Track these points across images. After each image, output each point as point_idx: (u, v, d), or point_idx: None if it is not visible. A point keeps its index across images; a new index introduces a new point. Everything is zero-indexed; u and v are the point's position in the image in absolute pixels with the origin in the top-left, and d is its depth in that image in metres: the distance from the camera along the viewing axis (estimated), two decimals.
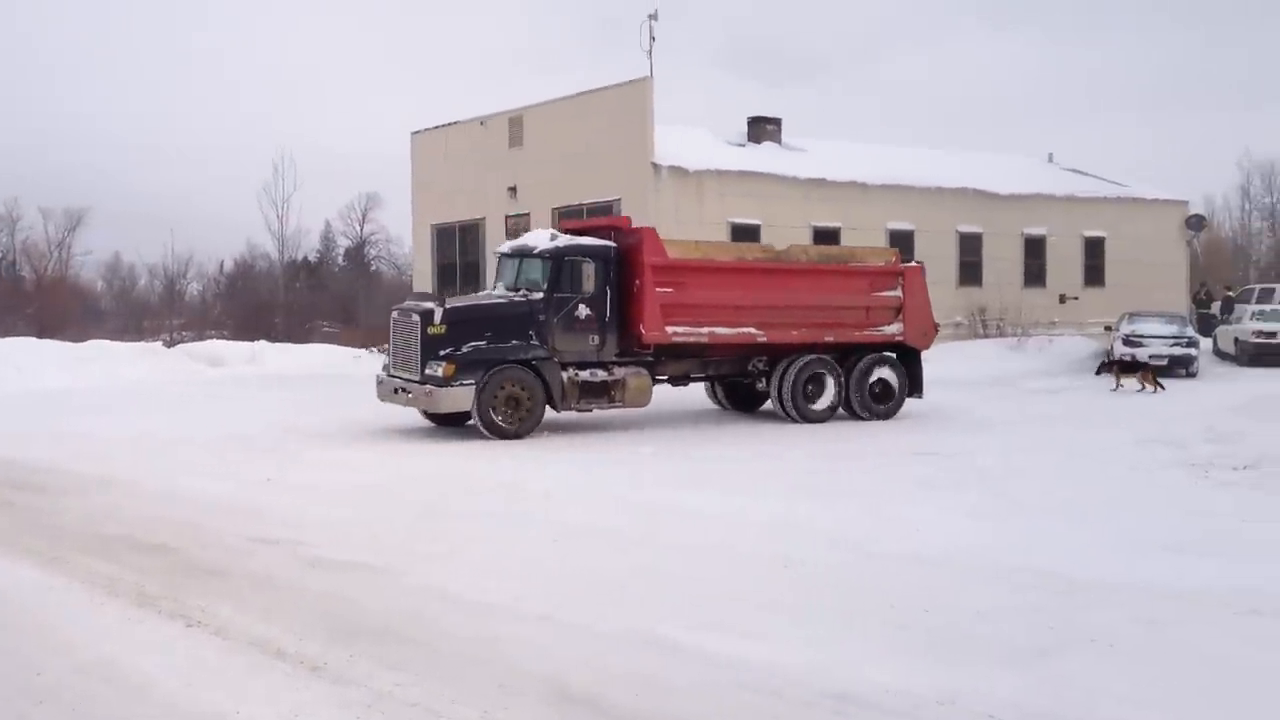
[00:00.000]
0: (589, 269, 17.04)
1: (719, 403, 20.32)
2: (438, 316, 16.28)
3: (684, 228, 28.12)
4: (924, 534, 9.51)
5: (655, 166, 28.34)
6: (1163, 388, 23.55)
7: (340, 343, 34.66)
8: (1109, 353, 27.77)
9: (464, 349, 16.23)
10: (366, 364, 29.05)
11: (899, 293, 19.32)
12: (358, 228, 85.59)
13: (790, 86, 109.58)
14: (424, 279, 35.93)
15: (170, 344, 36.06)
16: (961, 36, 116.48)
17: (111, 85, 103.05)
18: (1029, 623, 6.91)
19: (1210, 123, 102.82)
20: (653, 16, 28.70)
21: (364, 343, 33.28)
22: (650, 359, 17.61)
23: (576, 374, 16.85)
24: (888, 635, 6.65)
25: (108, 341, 31.52)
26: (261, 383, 24.50)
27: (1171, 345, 27.63)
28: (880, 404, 19.07)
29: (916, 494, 11.68)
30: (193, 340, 37.92)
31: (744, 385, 19.47)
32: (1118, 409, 20.28)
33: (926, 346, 19.85)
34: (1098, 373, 25.48)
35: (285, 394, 22.02)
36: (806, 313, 18.48)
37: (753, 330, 18.13)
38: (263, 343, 31.52)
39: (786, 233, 29.43)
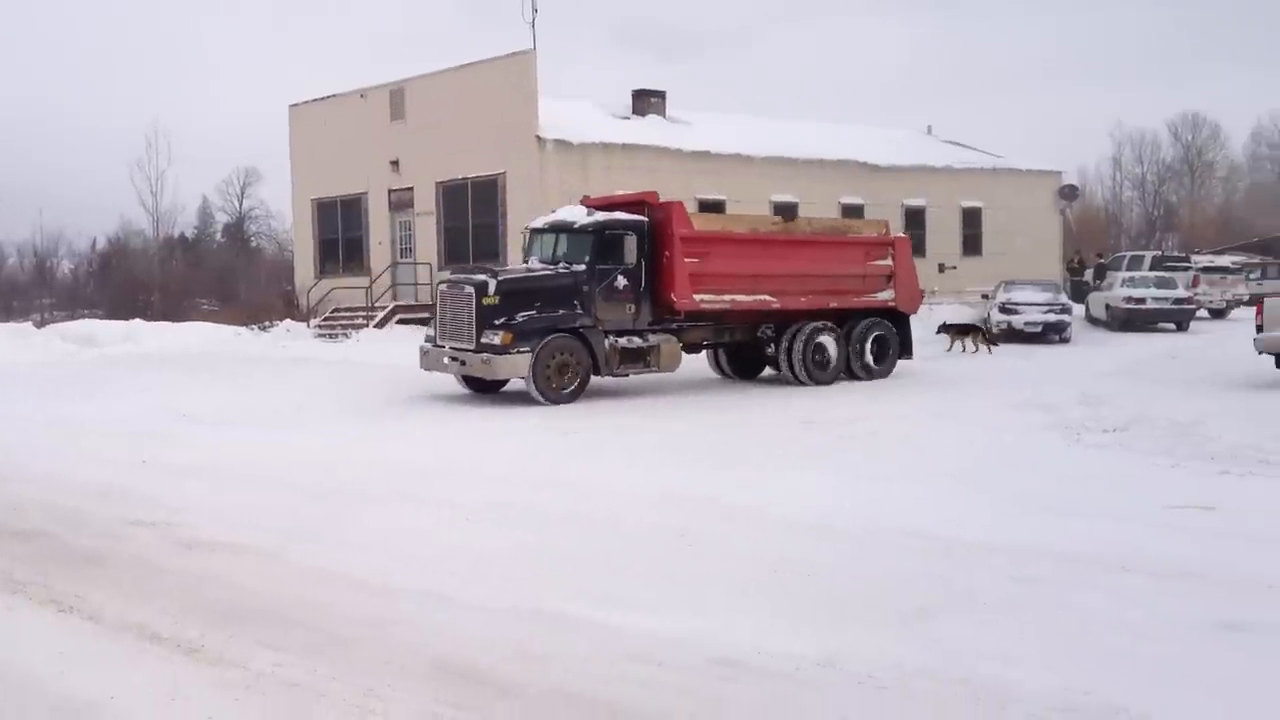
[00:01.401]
0: (630, 241, 18.01)
1: (721, 370, 21.21)
2: (492, 288, 17.06)
3: (569, 200, 28.02)
4: (808, 499, 9.62)
5: (540, 140, 28.23)
6: (993, 348, 24.54)
7: (220, 320, 33.84)
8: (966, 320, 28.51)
9: (518, 318, 16.99)
10: (248, 341, 28.49)
11: (890, 261, 20.78)
12: (236, 203, 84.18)
13: (675, 61, 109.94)
14: (306, 254, 35.39)
15: (41, 324, 34.95)
16: (844, 14, 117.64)
17: None
18: (910, 584, 7.04)
19: (1083, 96, 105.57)
20: None
21: (245, 320, 32.57)
22: (676, 327, 18.63)
23: (616, 341, 17.80)
24: (772, 601, 6.73)
25: None
26: (138, 362, 23.85)
27: (1046, 312, 28.33)
28: (877, 365, 20.46)
29: (803, 461, 11.83)
30: (65, 320, 36.79)
31: (747, 353, 20.49)
32: (995, 374, 20.73)
33: (915, 311, 21.48)
34: (937, 332, 26.21)
35: (163, 374, 21.47)
36: (813, 281, 19.72)
37: (767, 297, 19.28)
38: (138, 322, 30.63)
39: None
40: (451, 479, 11.05)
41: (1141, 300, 31.06)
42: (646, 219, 18.40)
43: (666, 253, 18.22)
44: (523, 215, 28.21)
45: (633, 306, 18.07)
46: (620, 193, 21.43)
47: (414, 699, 5.29)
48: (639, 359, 18.03)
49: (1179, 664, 5.61)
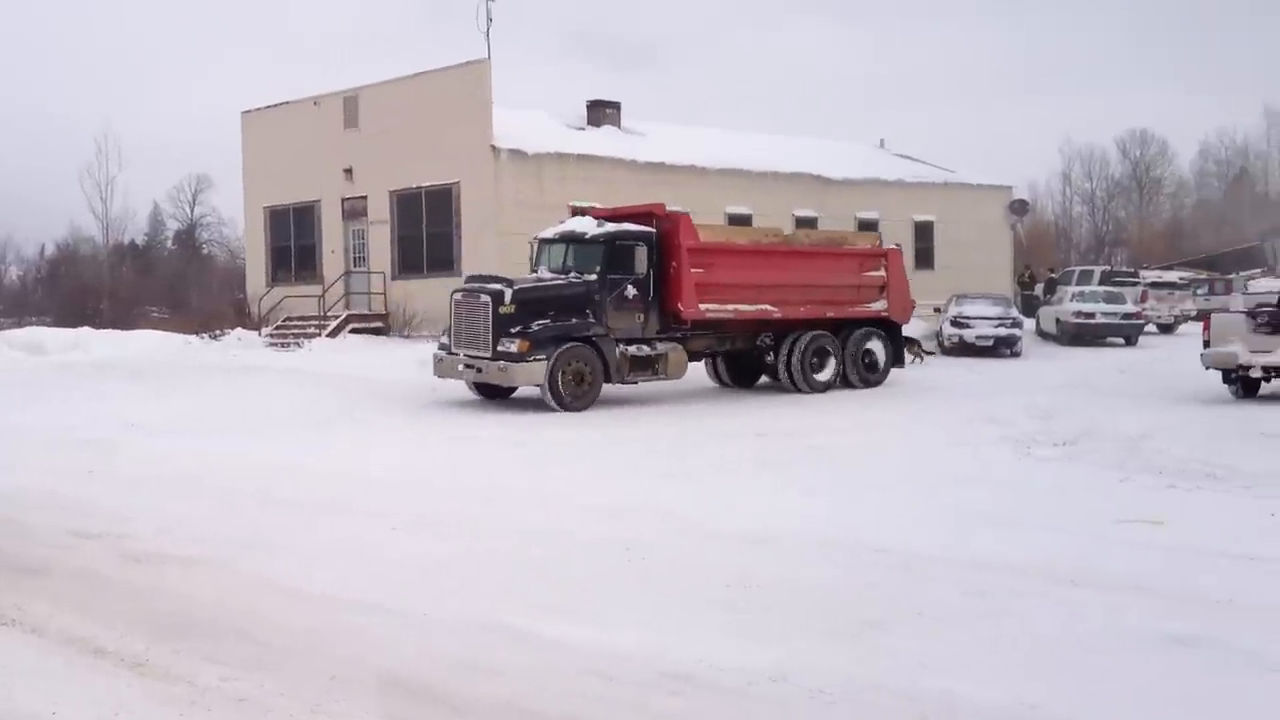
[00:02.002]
0: (641, 252, 18.51)
1: (719, 378, 21.73)
2: (508, 297, 17.44)
3: (525, 211, 28.03)
4: (761, 512, 9.63)
5: (495, 149, 28.15)
6: (923, 358, 25.06)
7: (170, 329, 33.46)
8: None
9: (533, 327, 17.37)
10: (198, 350, 28.19)
11: (883, 273, 21.47)
12: (188, 210, 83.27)
13: (630, 72, 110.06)
14: (258, 262, 35.09)
15: None
16: (797, 27, 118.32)
17: None
18: (861, 597, 7.06)
19: (1034, 112, 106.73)
20: None
21: (195, 328, 32.22)
22: (681, 335, 19.06)
23: (626, 349, 18.19)
24: (724, 615, 6.71)
25: None
26: (86, 371, 23.54)
27: (997, 326, 28.56)
28: (871, 373, 21.05)
29: (754, 473, 11.88)
30: (12, 327, 36.26)
31: (745, 361, 21.08)
32: (948, 387, 20.89)
33: (906, 321, 22.23)
34: None
35: (111, 382, 21.20)
36: (811, 291, 20.33)
37: (768, 307, 19.83)
38: (87, 329, 30.27)
39: None
40: (405, 490, 10.97)
41: (1091, 315, 31.40)
42: (655, 230, 18.84)
43: (674, 263, 18.71)
44: (477, 225, 28.19)
45: (642, 315, 18.54)
46: (627, 204, 21.81)
47: (362, 714, 5.24)
48: (648, 367, 18.47)
49: (1127, 678, 5.65)
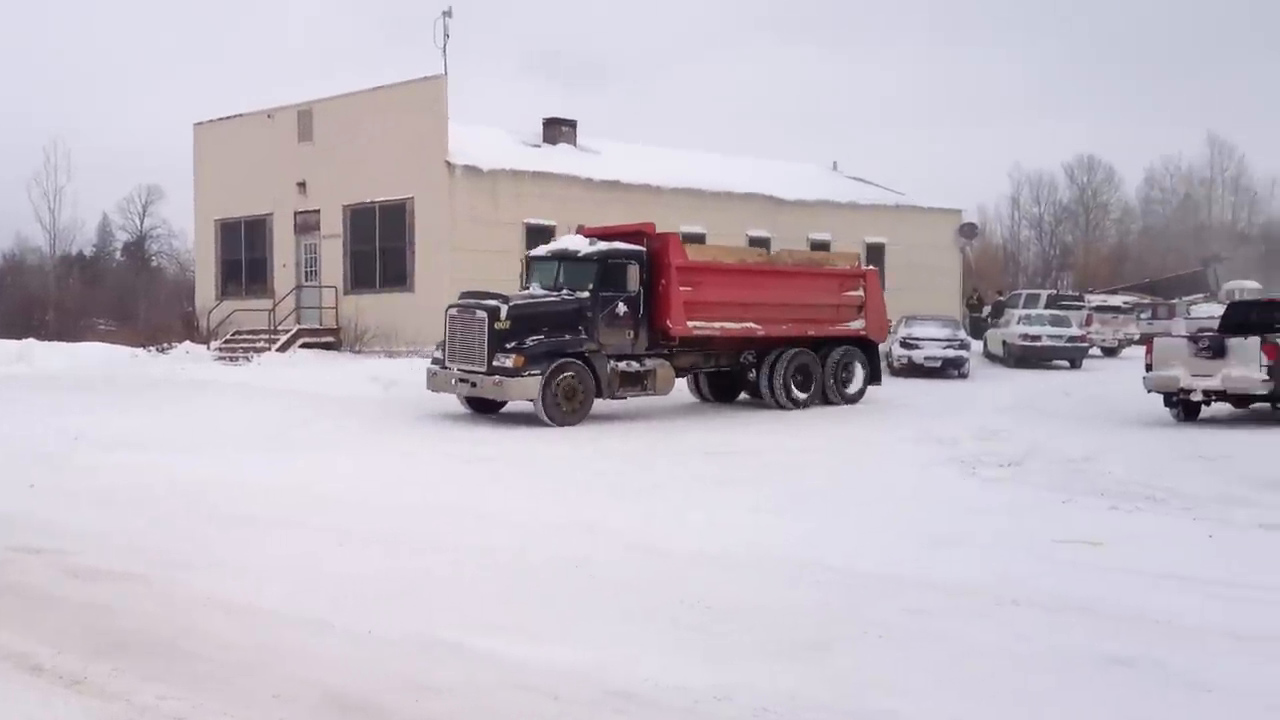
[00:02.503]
0: (633, 270, 18.92)
1: (701, 395, 22.26)
2: (504, 313, 17.74)
3: (479, 228, 28.05)
4: (711, 531, 9.66)
5: (450, 165, 28.13)
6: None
7: (118, 341, 33.09)
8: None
9: (528, 342, 17.69)
10: (145, 363, 27.92)
11: (862, 292, 22.03)
12: (137, 221, 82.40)
13: (586, 92, 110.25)
14: (207, 275, 34.83)
15: None
16: (751, 51, 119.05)
17: None
18: (807, 617, 7.10)
19: (984, 137, 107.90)
20: (446, 13, 28.55)
21: (143, 341, 31.90)
22: (668, 352, 19.46)
23: (617, 365, 18.54)
24: (671, 633, 6.74)
25: None
26: (31, 383, 23.25)
27: (945, 347, 28.80)
28: (850, 390, 21.69)
29: (706, 491, 11.88)
30: None
31: (728, 378, 21.59)
32: (895, 408, 21.04)
33: (883, 340, 23.06)
34: None
35: (56, 395, 20.95)
36: (793, 310, 20.82)
37: (753, 325, 20.26)
38: (32, 341, 29.88)
39: None
40: (355, 506, 10.90)
41: (1037, 338, 31.74)
42: (645, 249, 19.25)
43: (663, 281, 19.12)
44: (431, 241, 28.14)
45: (632, 332, 18.96)
46: (618, 223, 22.13)
47: None
48: (637, 382, 18.86)
49: (1068, 698, 5.72)
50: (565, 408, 17.78)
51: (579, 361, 18.05)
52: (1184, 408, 18.44)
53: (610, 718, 5.43)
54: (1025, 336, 31.77)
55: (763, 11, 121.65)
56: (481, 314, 17.98)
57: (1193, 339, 18.91)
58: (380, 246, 29.90)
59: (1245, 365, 17.43)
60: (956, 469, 13.47)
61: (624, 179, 31.47)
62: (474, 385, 18.06)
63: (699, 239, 31.28)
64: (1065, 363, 31.98)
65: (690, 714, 5.47)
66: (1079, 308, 37.94)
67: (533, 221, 29.15)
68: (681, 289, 19.16)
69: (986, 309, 41.57)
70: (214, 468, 13.32)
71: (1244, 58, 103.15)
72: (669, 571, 8.30)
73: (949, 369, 28.53)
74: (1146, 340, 22.07)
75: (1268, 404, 17.82)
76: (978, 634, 6.76)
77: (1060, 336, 31.97)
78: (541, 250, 20.14)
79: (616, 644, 6.49)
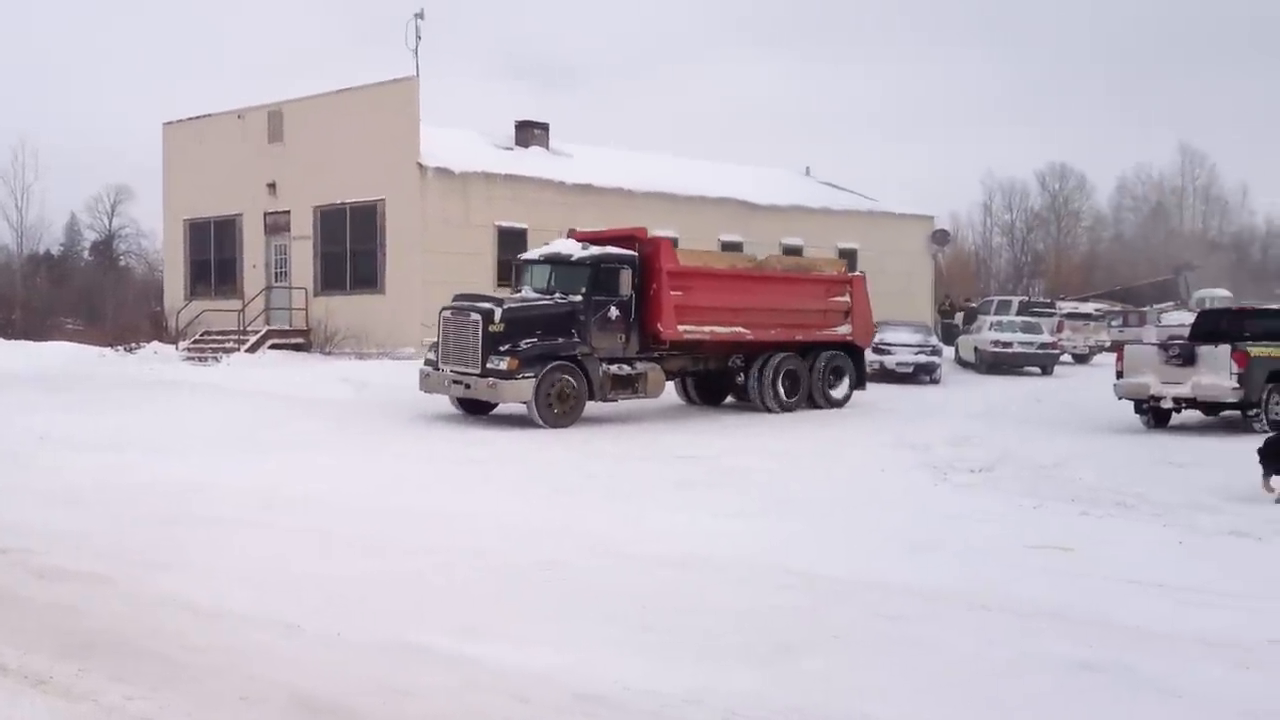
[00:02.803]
0: (625, 275, 19.10)
1: (688, 397, 22.41)
2: (498, 315, 17.92)
3: (451, 230, 27.96)
4: (680, 535, 9.64)
5: (421, 167, 28.02)
6: None
7: (85, 340, 32.80)
8: None
9: (522, 345, 17.87)
10: (113, 363, 27.69)
11: (848, 298, 22.33)
12: (106, 220, 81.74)
13: (559, 96, 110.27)
14: (176, 275, 34.58)
15: None
16: (724, 57, 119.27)
17: None
18: (775, 621, 7.08)
19: (957, 144, 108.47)
20: (418, 15, 28.48)
21: (110, 341, 31.63)
22: (658, 355, 19.68)
23: (609, 369, 18.74)
24: (639, 636, 6.70)
25: None
26: None
27: (917, 353, 28.87)
28: (836, 394, 22.06)
29: (674, 495, 11.86)
30: None
31: (715, 381, 21.84)
32: (867, 413, 21.08)
33: (869, 345, 23.64)
34: None
35: (22, 394, 20.73)
36: (782, 315, 21.12)
37: (742, 329, 20.51)
38: None
39: (553, 237, 29.48)
40: (323, 509, 10.82)
41: (1008, 344, 31.87)
42: (637, 253, 19.45)
43: (654, 285, 19.32)
44: (402, 243, 28.02)
45: (623, 336, 19.11)
46: (608, 228, 22.34)
47: None
48: (629, 385, 19.06)
49: (1038, 703, 5.72)
50: (558, 410, 17.92)
51: (572, 364, 18.23)
52: (1154, 415, 18.55)
53: None
54: (997, 343, 31.89)
55: (736, 17, 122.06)
56: (476, 316, 18.13)
57: (1163, 347, 19.02)
58: (351, 248, 29.76)
59: (1215, 373, 17.54)
60: (928, 474, 13.49)
61: (596, 182, 31.44)
62: (467, 387, 18.19)
63: (671, 243, 31.27)
64: (1036, 369, 32.12)
65: (659, 717, 5.44)
66: (1050, 315, 38.20)
67: (504, 224, 29.09)
68: (673, 293, 19.37)
69: (958, 315, 41.71)
70: (182, 468, 13.21)
71: (1215, 68, 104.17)
72: (634, 574, 8.27)
73: (920, 375, 28.60)
74: (1117, 347, 22.23)
75: (1237, 411, 17.93)
76: (949, 639, 6.75)
77: (1031, 343, 32.11)
78: (533, 254, 20.37)
79: (587, 647, 6.45)
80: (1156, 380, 18.10)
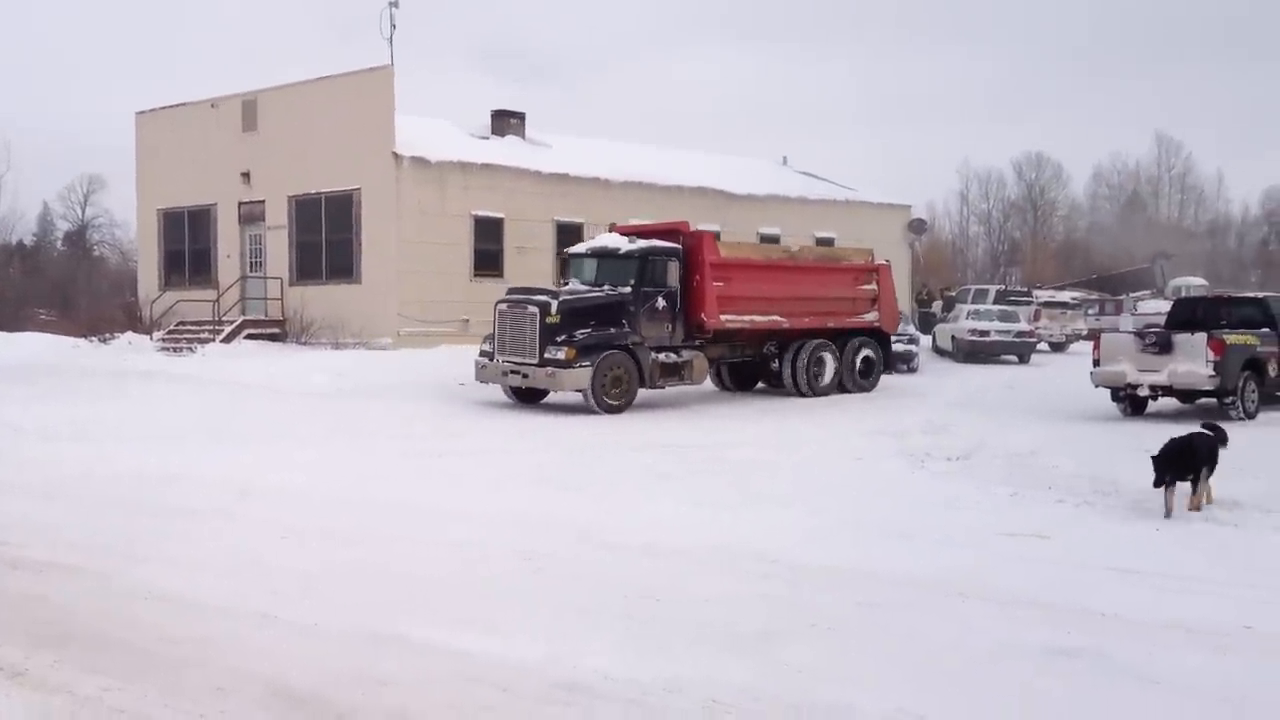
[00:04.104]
0: (673, 267, 20.11)
1: (722, 384, 23.24)
2: (554, 308, 18.81)
3: (427, 219, 27.82)
4: (662, 525, 9.63)
5: (397, 156, 27.84)
6: None
7: (58, 331, 32.51)
8: None
9: (578, 335, 18.71)
10: (87, 353, 27.48)
11: (875, 286, 23.37)
12: (79, 211, 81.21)
13: (536, 87, 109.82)
14: (150, 265, 34.33)
15: None
16: (702, 49, 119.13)
17: None
18: (756, 609, 7.08)
19: (934, 134, 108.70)
20: (393, 3, 28.29)
21: (84, 331, 31.37)
22: (698, 343, 20.54)
23: (657, 357, 19.58)
24: (620, 626, 6.69)
25: None
26: None
27: (894, 342, 28.88)
28: (864, 379, 22.96)
29: (656, 485, 11.86)
30: None
31: (748, 368, 22.84)
32: (845, 402, 21.13)
33: (895, 331, 24.48)
34: None
35: None
36: (814, 303, 22.22)
37: (778, 317, 21.62)
38: None
39: (530, 227, 29.50)
40: (301, 499, 10.79)
41: (985, 333, 31.97)
42: (681, 246, 20.41)
43: (697, 277, 20.29)
44: (378, 232, 27.87)
45: (670, 325, 20.06)
46: (654, 222, 23.50)
47: None
48: (675, 373, 19.99)
49: (1014, 689, 5.73)
50: (612, 397, 18.73)
51: (624, 353, 19.11)
52: (1130, 403, 18.62)
53: (559, 710, 5.37)
54: (974, 331, 31.99)
55: (713, 8, 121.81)
56: (533, 309, 18.99)
57: (1139, 335, 19.06)
58: (326, 238, 29.55)
59: (1191, 361, 17.60)
60: (906, 463, 13.51)
61: (573, 172, 31.32)
62: (525, 376, 18.98)
63: None
64: (1013, 358, 32.23)
65: (640, 705, 5.42)
66: (1027, 303, 38.29)
67: (481, 214, 28.97)
68: (715, 284, 20.28)
69: (936, 304, 41.79)
70: (157, 460, 13.13)
71: (1192, 58, 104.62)
72: (616, 564, 8.28)
73: (898, 363, 28.60)
74: (1094, 336, 22.29)
75: (1213, 399, 18.01)
76: (928, 627, 6.76)
77: (1008, 332, 32.22)
78: (581, 248, 21.35)
79: (566, 636, 6.44)
80: (1133, 368, 18.15)
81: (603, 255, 20.37)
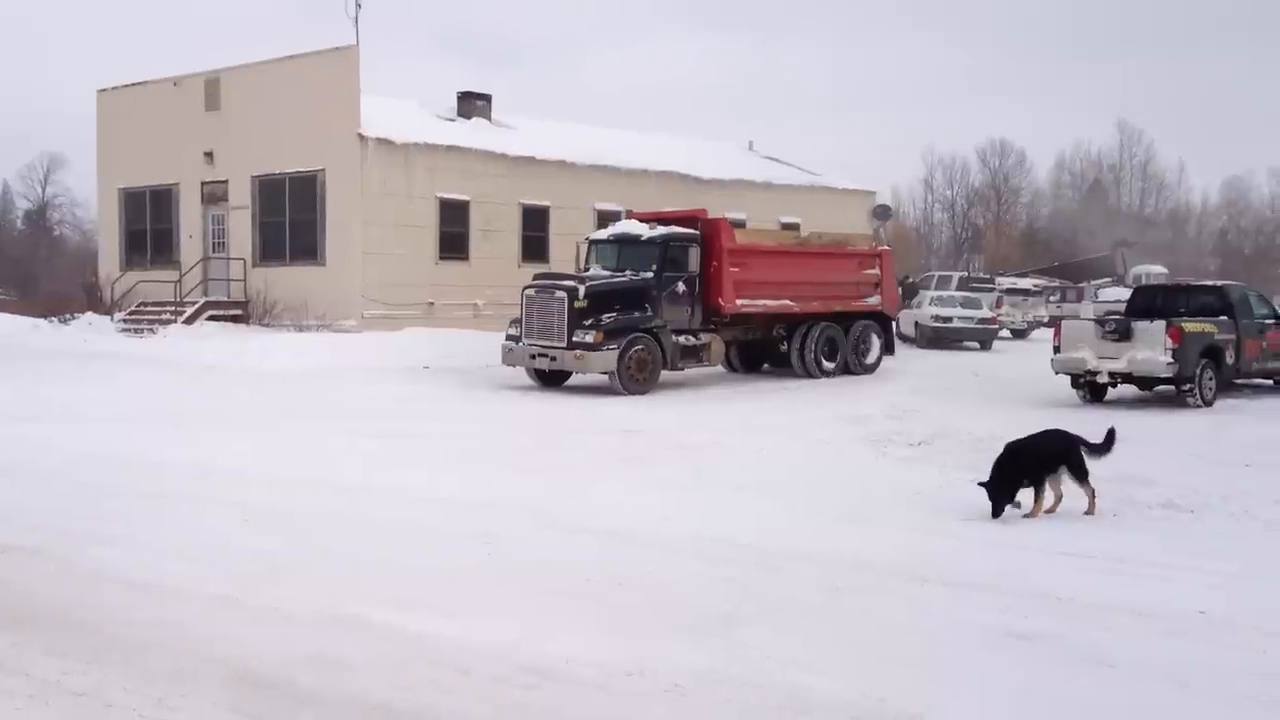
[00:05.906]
0: (693, 252, 20.81)
1: (731, 365, 23.86)
2: (582, 292, 19.33)
3: (392, 201, 27.67)
4: (624, 509, 9.65)
5: (362, 137, 27.66)
6: None
7: (17, 311, 32.17)
8: None
9: (604, 319, 19.29)
10: (47, 334, 27.24)
11: (878, 271, 24.20)
12: (39, 189, 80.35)
13: (503, 71, 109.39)
14: (111, 245, 33.99)
15: None
16: (669, 32, 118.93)
17: None
18: (718, 593, 7.12)
19: (899, 121, 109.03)
20: None
21: (44, 311, 31.06)
22: (715, 327, 21.24)
23: (678, 339, 20.24)
24: (582, 609, 6.72)
25: None
26: None
27: None
28: (867, 361, 23.84)
29: (619, 469, 11.88)
30: None
31: (757, 350, 23.69)
32: (807, 387, 21.21)
33: (896, 315, 25.68)
34: None
35: None
36: (822, 288, 23.02)
37: (789, 302, 22.40)
38: None
39: (496, 209, 29.39)
40: (261, 483, 10.73)
41: (948, 319, 32.19)
42: (699, 232, 21.05)
43: (715, 262, 20.98)
44: (343, 214, 27.70)
45: (689, 309, 20.73)
46: (669, 209, 24.49)
47: (209, 707, 5.12)
48: (694, 355, 20.68)
49: (971, 672, 5.80)
50: (638, 378, 19.33)
51: (648, 336, 19.69)
52: (1090, 389, 18.78)
53: (521, 693, 5.39)
54: (937, 318, 32.22)
55: None
56: (561, 294, 19.52)
57: (1100, 322, 19.22)
58: (290, 219, 29.33)
59: (1150, 348, 17.76)
60: (868, 448, 13.59)
61: (539, 154, 31.20)
62: (553, 359, 19.49)
63: (615, 216, 31.13)
64: (975, 344, 32.48)
65: (602, 689, 5.45)
66: (990, 290, 38.52)
67: (446, 196, 28.84)
68: (731, 269, 20.96)
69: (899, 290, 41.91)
70: (118, 441, 13.04)
71: (1154, 47, 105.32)
72: (577, 548, 8.28)
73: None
74: (1055, 323, 22.48)
75: (1172, 387, 18.19)
76: (886, 611, 6.83)
77: (971, 318, 32.46)
78: (602, 234, 21.96)
79: (530, 619, 6.46)
80: (1093, 355, 18.29)
81: (625, 241, 20.96)
